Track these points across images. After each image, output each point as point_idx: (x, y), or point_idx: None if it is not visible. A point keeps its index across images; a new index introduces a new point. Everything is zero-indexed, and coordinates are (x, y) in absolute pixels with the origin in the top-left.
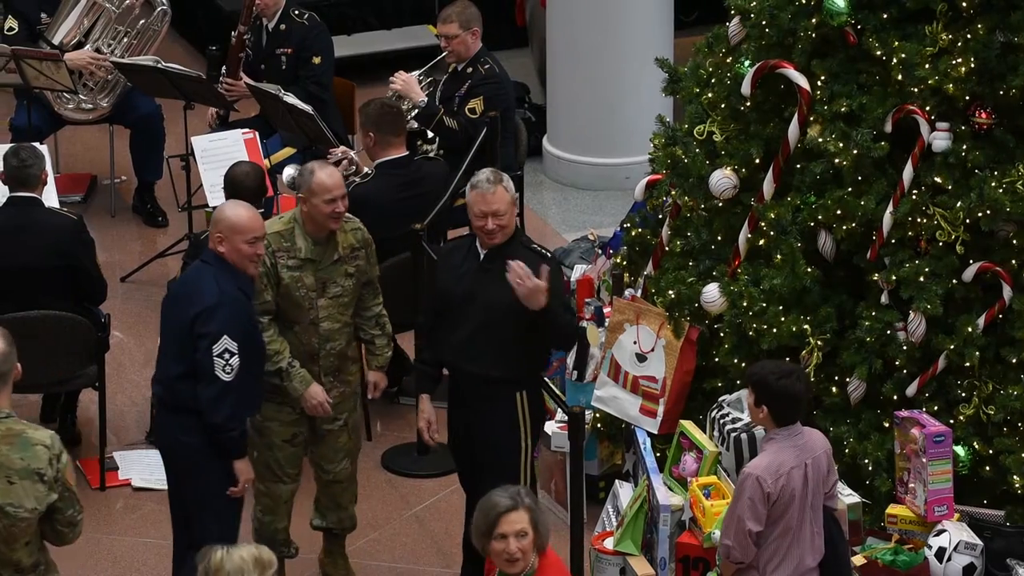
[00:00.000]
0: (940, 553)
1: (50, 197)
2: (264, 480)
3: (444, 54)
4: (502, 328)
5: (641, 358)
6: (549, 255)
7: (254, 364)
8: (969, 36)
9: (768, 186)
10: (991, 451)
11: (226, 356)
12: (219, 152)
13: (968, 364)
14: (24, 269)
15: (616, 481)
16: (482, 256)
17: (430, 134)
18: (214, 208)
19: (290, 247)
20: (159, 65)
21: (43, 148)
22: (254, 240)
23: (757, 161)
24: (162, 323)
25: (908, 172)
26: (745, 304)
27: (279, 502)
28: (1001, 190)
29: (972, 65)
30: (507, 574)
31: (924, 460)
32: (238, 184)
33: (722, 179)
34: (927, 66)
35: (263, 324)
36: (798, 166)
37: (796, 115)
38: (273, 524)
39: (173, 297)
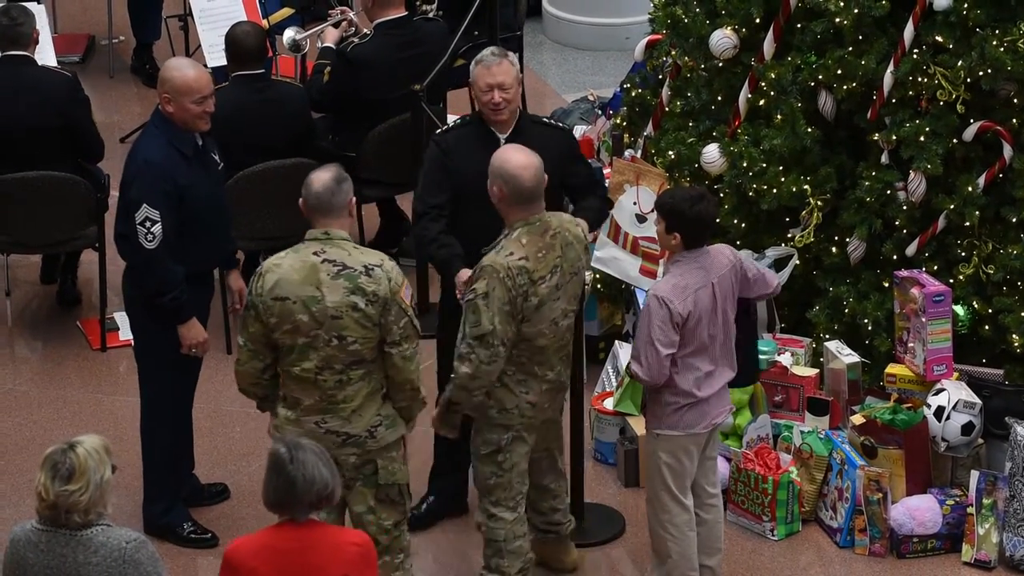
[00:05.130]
0: (939, 412)
1: (48, 57)
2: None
3: None
4: None
5: (641, 219)
6: (564, 127)
7: (198, 223)
8: None
9: (768, 46)
10: (990, 310)
11: (147, 224)
12: (217, 12)
13: (968, 223)
14: (21, 128)
15: (616, 342)
16: (503, 141)
17: None
18: (213, 69)
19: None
20: None
21: (40, 8)
22: (202, 99)
23: (757, 20)
24: None
25: (909, 31)
26: (745, 164)
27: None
28: (1002, 48)
29: None
30: None
31: (923, 319)
32: (238, 44)
33: (722, 39)
34: None
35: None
36: (798, 25)
37: None
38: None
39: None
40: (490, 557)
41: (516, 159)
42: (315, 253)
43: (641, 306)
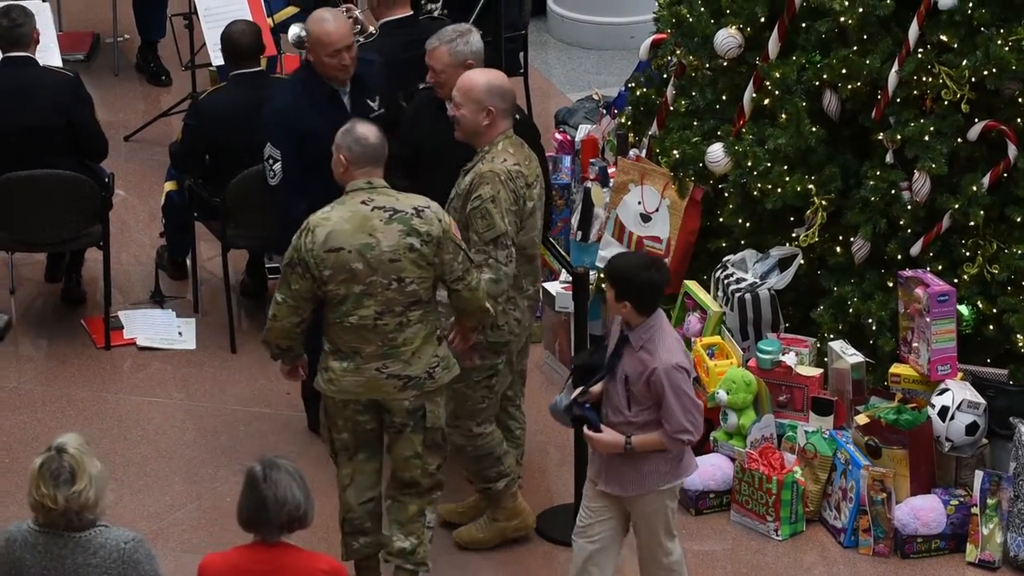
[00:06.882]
0: (943, 412)
1: (53, 56)
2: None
3: None
4: None
5: (645, 218)
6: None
7: (321, 164)
8: None
9: (773, 45)
10: (995, 310)
11: (270, 162)
12: (222, 10)
13: (972, 223)
14: (25, 129)
15: None
16: (450, 108)
17: None
18: (218, 67)
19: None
20: None
21: (46, 5)
22: (335, 53)
23: (762, 20)
24: None
25: (914, 30)
26: (750, 164)
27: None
28: (1007, 48)
29: None
30: None
31: (928, 319)
32: (234, 43)
33: (727, 38)
34: None
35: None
36: (803, 25)
37: None
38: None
39: None
40: (488, 469)
41: (496, 75)
42: (363, 202)
43: None
